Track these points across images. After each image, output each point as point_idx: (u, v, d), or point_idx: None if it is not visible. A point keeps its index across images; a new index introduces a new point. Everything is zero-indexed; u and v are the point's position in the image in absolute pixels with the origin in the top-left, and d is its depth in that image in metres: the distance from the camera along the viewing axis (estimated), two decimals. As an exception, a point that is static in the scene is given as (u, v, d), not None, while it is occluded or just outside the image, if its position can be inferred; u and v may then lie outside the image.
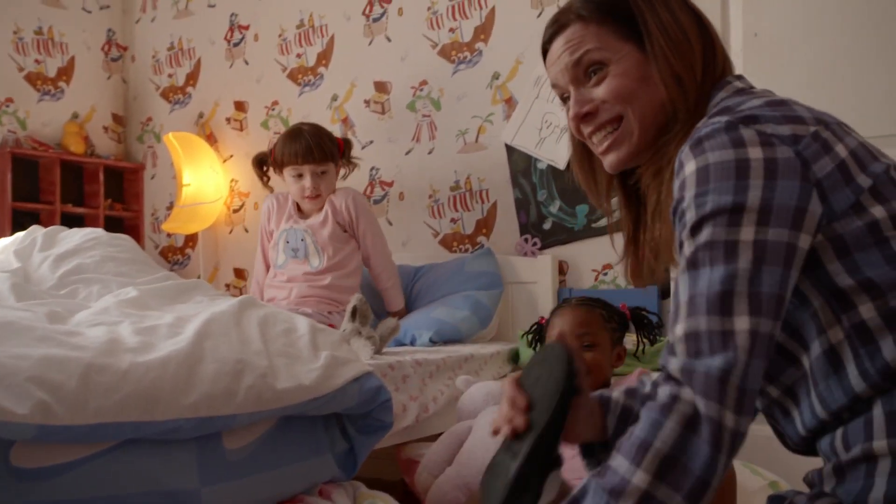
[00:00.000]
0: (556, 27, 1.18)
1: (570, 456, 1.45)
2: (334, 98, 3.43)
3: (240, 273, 3.70)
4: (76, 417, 1.14)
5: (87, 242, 1.98)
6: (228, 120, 3.74)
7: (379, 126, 3.31)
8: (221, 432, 1.39)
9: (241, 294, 3.64)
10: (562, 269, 2.88)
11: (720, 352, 0.90)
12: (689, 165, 0.98)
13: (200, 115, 3.83)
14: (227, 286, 3.73)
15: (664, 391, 0.92)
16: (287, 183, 2.71)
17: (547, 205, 2.92)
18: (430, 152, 3.18)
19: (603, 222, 2.81)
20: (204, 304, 1.74)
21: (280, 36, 3.59)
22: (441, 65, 3.15)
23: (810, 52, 2.21)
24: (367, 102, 3.34)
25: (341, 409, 1.59)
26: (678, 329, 0.93)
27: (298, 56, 3.54)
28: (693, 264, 0.94)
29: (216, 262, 3.76)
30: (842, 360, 0.95)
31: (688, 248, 0.96)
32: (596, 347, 1.56)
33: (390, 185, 3.27)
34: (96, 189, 3.80)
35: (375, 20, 3.32)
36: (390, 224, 3.22)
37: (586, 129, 1.16)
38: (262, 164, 2.80)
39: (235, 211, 3.71)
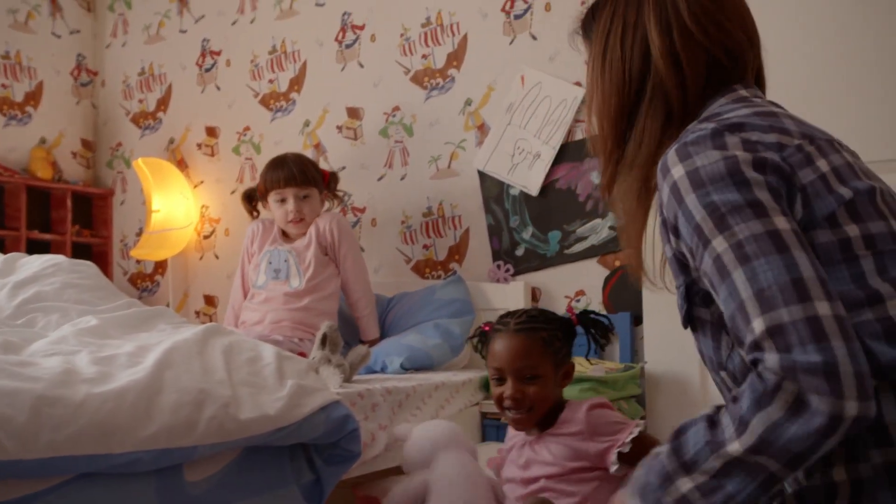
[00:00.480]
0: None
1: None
2: (306, 124, 3.41)
3: (210, 300, 3.65)
4: (26, 451, 1.10)
5: (46, 269, 1.94)
6: (199, 145, 3.71)
7: (351, 152, 3.29)
8: (182, 464, 1.35)
9: (211, 321, 3.59)
10: (534, 295, 2.86)
11: (812, 342, 0.85)
12: (675, 170, 0.97)
13: (171, 141, 3.79)
14: (198, 313, 3.67)
15: (769, 378, 0.86)
16: (272, 210, 2.74)
17: (519, 231, 2.91)
18: (402, 178, 3.17)
19: (576, 248, 2.81)
20: (167, 333, 1.70)
21: (252, 61, 3.57)
22: (413, 91, 3.15)
23: (805, 76, 2.23)
24: (339, 128, 3.33)
25: (307, 440, 1.55)
26: (757, 325, 0.88)
27: (270, 81, 3.52)
28: (744, 259, 0.90)
29: (186, 288, 3.70)
30: None
31: (720, 246, 0.92)
32: (538, 379, 1.47)
33: (363, 211, 3.25)
34: (64, 215, 3.74)
35: (348, 46, 3.32)
36: (363, 250, 3.20)
37: None
38: (250, 198, 2.85)
39: (206, 237, 3.67)
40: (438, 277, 3.05)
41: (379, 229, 3.21)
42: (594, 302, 2.77)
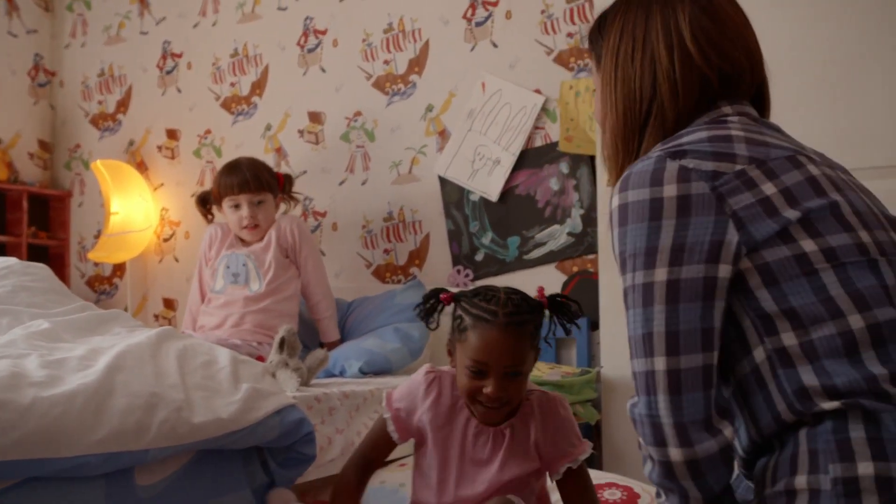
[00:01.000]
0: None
1: None
2: (268, 127, 3.40)
3: (169, 303, 3.62)
4: (-28, 456, 1.09)
5: (-2, 271, 1.91)
6: (160, 148, 3.68)
7: (313, 156, 3.29)
8: (134, 468, 1.34)
9: (170, 325, 3.56)
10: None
11: (643, 394, 0.98)
12: (614, 200, 1.04)
13: (131, 143, 3.76)
14: (157, 316, 3.64)
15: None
16: (226, 216, 2.72)
17: (479, 236, 2.94)
18: (363, 183, 3.18)
19: (534, 254, 2.84)
20: (122, 336, 1.69)
21: (214, 65, 3.56)
22: (375, 96, 3.16)
23: (794, 89, 2.27)
24: (300, 132, 3.33)
25: (262, 443, 1.55)
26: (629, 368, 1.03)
27: (232, 85, 3.51)
28: (625, 305, 1.02)
29: (145, 291, 3.67)
30: (764, 379, 0.98)
31: (622, 284, 1.03)
32: (520, 376, 1.37)
33: (323, 215, 3.25)
34: (19, 217, 3.68)
35: (310, 51, 3.32)
36: (323, 254, 3.20)
37: None
38: (204, 202, 2.82)
39: (166, 240, 3.64)
40: (398, 282, 3.06)
41: (340, 234, 3.21)
42: (552, 307, 2.80)
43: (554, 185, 2.81)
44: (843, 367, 0.93)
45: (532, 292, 2.96)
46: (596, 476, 1.67)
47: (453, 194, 2.98)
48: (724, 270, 0.97)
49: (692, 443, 0.96)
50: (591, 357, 2.70)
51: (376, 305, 2.83)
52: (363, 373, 2.48)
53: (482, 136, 2.93)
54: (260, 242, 2.70)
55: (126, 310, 3.59)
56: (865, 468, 0.88)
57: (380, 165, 3.14)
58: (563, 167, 2.80)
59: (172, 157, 3.65)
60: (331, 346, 2.71)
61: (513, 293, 1.40)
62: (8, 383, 1.20)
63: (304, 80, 3.32)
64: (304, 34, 3.34)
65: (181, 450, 1.39)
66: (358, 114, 3.20)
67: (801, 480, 0.92)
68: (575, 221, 2.78)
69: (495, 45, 2.94)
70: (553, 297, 1.41)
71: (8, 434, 1.12)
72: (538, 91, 2.84)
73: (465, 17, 3.00)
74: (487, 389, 1.34)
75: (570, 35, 2.81)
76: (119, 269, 3.75)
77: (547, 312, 1.43)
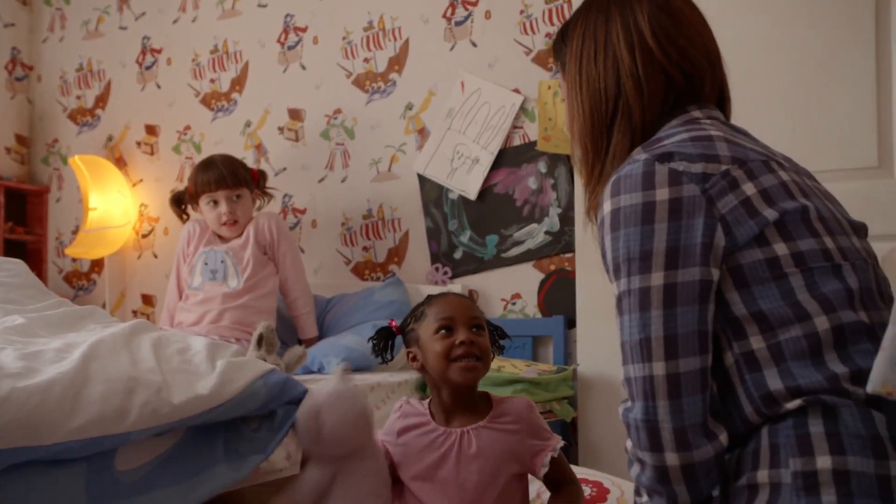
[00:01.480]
0: None
1: None
2: (248, 124, 3.40)
3: (148, 299, 3.61)
4: (-53, 448, 1.09)
5: (-27, 267, 1.91)
6: (139, 144, 3.67)
7: (292, 153, 3.30)
8: (115, 455, 1.34)
9: (149, 321, 3.55)
10: (472, 297, 2.91)
11: (640, 400, 0.98)
12: (605, 205, 1.04)
13: (110, 138, 3.74)
14: (135, 312, 3.63)
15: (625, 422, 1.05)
16: (204, 214, 2.71)
17: (458, 234, 2.96)
18: (343, 180, 3.18)
19: (512, 252, 2.86)
20: (97, 332, 1.69)
21: (193, 60, 3.55)
22: (355, 94, 3.17)
23: (764, 92, 2.31)
24: (280, 129, 3.33)
25: (251, 412, 1.53)
26: (622, 372, 1.03)
27: (212, 81, 3.50)
28: (619, 310, 1.02)
29: (123, 287, 3.66)
30: (732, 384, 0.99)
31: (614, 291, 1.03)
32: (484, 333, 1.45)
33: (303, 212, 3.25)
34: (-4, 212, 3.65)
35: (290, 48, 3.33)
36: (303, 251, 3.20)
37: None
38: (178, 202, 2.81)
39: (145, 236, 3.63)
40: (377, 279, 3.07)
41: (319, 231, 3.22)
42: (530, 305, 2.83)
43: (532, 184, 2.84)
44: (806, 370, 0.95)
45: (510, 290, 3.00)
46: (568, 471, 1.69)
47: (432, 192, 3.00)
48: (715, 274, 0.99)
49: (690, 447, 0.97)
50: (567, 355, 2.72)
51: (355, 302, 2.85)
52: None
53: (461, 134, 2.95)
54: (238, 239, 2.70)
55: (104, 306, 3.58)
56: (824, 462, 0.90)
57: (359, 163, 3.15)
58: (541, 166, 2.82)
59: (151, 153, 3.64)
60: (309, 342, 2.72)
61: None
62: (-17, 377, 1.20)
63: (285, 77, 3.33)
64: (285, 31, 3.34)
65: (165, 429, 1.38)
66: (338, 111, 3.21)
67: (762, 475, 0.95)
68: (553, 220, 2.81)
69: (475, 45, 2.96)
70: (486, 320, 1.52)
71: (-15, 426, 1.13)
72: (517, 90, 2.86)
73: (444, 16, 3.01)
74: (459, 338, 1.39)
75: (548, 35, 2.83)
76: (97, 264, 3.73)
77: None
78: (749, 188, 1.01)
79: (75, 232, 3.72)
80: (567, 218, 2.77)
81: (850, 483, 0.89)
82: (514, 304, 2.86)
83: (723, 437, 0.99)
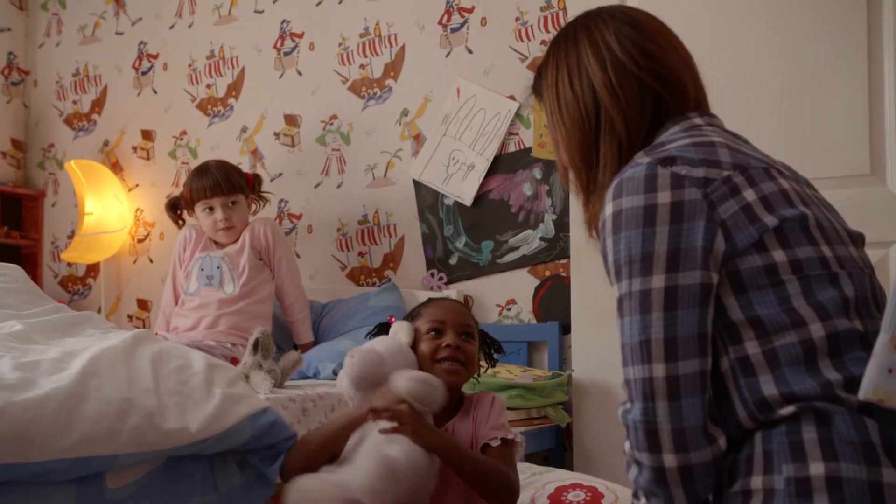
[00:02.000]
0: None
1: None
2: (244, 129, 3.41)
3: (143, 304, 3.61)
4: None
5: (-31, 272, 1.91)
6: (135, 149, 3.68)
7: (288, 159, 3.31)
8: (105, 471, 1.35)
9: (144, 325, 3.55)
10: (467, 303, 2.92)
11: (640, 401, 0.99)
12: (607, 208, 1.05)
13: (106, 143, 3.75)
14: (130, 317, 3.63)
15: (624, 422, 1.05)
16: (200, 220, 2.72)
17: (453, 240, 2.97)
18: (338, 186, 3.19)
19: (507, 258, 2.87)
20: (95, 338, 1.69)
21: (190, 66, 3.56)
22: (351, 100, 3.19)
23: (757, 98, 2.32)
24: (276, 135, 3.34)
25: (233, 447, 1.55)
26: (622, 373, 1.04)
27: (208, 87, 3.51)
28: (619, 313, 1.03)
29: (119, 292, 3.66)
30: (727, 388, 1.00)
31: (614, 293, 1.03)
32: (473, 341, 1.53)
33: (299, 217, 3.26)
34: (-9, 216, 3.65)
35: (286, 53, 3.34)
36: (298, 256, 3.21)
37: None
38: (174, 207, 2.82)
39: (140, 241, 3.63)
40: (373, 285, 3.08)
41: (315, 236, 3.23)
42: (525, 310, 2.84)
43: (527, 190, 2.85)
44: (801, 376, 0.96)
45: (505, 296, 3.01)
46: (562, 477, 1.70)
47: (428, 198, 3.01)
48: (715, 278, 1.00)
49: (688, 449, 0.97)
50: (562, 360, 2.73)
51: (350, 308, 2.85)
52: (337, 374, 2.50)
53: (457, 140, 2.97)
54: (234, 245, 2.71)
55: (99, 310, 3.58)
56: (817, 468, 0.91)
57: (355, 169, 3.16)
58: (537, 173, 2.84)
59: (147, 158, 3.64)
60: (304, 347, 2.72)
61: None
62: (-20, 386, 1.21)
63: (281, 82, 3.34)
64: (281, 37, 3.35)
65: (149, 457, 1.39)
66: (334, 117, 3.22)
67: (756, 481, 0.96)
68: (548, 226, 2.82)
69: (470, 51, 2.97)
70: (481, 331, 1.59)
71: (-21, 438, 1.13)
72: (512, 97, 2.87)
73: (440, 22, 3.03)
74: (447, 342, 1.48)
75: (543, 42, 2.85)
76: (93, 269, 3.73)
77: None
78: (750, 194, 1.02)
79: (71, 236, 3.72)
80: (562, 224, 2.78)
81: (842, 489, 0.90)
82: (509, 309, 2.87)
83: (721, 442, 0.99)
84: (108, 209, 3.49)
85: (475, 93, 2.94)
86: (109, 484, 1.33)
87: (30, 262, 3.80)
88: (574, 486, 1.61)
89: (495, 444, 1.43)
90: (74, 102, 3.85)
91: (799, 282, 0.99)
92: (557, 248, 2.80)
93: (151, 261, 3.60)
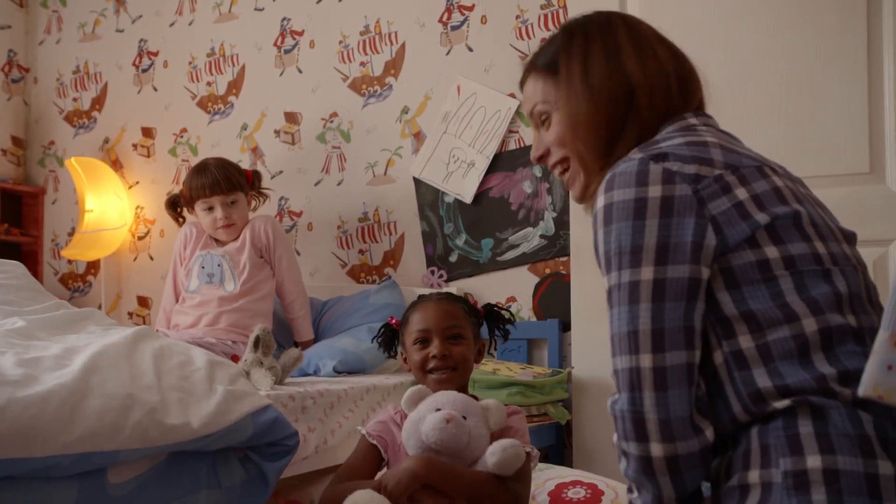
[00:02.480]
0: (522, 77, 1.32)
1: None
2: (244, 127, 3.42)
3: (144, 301, 3.62)
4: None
5: (-28, 269, 1.91)
6: (135, 146, 3.68)
7: (289, 156, 3.31)
8: (107, 467, 1.35)
9: (144, 322, 3.56)
10: (466, 298, 2.92)
11: (627, 391, 1.00)
12: (599, 200, 1.07)
13: (106, 141, 3.75)
14: (131, 314, 3.64)
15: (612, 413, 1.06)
16: (200, 218, 2.72)
17: (453, 238, 2.97)
18: (339, 183, 3.20)
19: (507, 255, 2.88)
20: (97, 335, 1.70)
21: (190, 63, 3.56)
22: (351, 97, 3.19)
23: (755, 98, 2.32)
24: (277, 132, 3.34)
25: (235, 444, 1.56)
26: (611, 366, 1.05)
27: (209, 84, 3.51)
28: (609, 303, 1.04)
29: (119, 289, 3.66)
30: (721, 382, 1.02)
31: (604, 284, 1.05)
32: (463, 341, 1.50)
33: (299, 215, 3.27)
34: (-8, 213, 3.66)
35: (287, 51, 3.34)
36: (298, 254, 3.22)
37: (548, 167, 1.28)
38: (174, 205, 2.82)
39: (140, 238, 3.64)
40: (373, 282, 3.09)
41: (315, 234, 3.23)
42: (524, 308, 2.84)
43: (527, 188, 2.85)
44: (794, 369, 0.97)
45: (505, 293, 3.01)
46: (562, 474, 1.71)
47: (428, 196, 3.02)
48: (705, 273, 1.01)
49: (675, 439, 0.99)
50: (562, 358, 2.74)
51: (350, 305, 2.86)
52: (337, 372, 2.50)
53: (457, 138, 2.97)
54: (235, 242, 2.71)
55: (100, 307, 3.58)
56: (814, 461, 0.92)
57: (355, 166, 3.17)
58: (537, 170, 2.84)
59: (148, 156, 3.65)
60: (305, 345, 2.73)
61: (447, 293, 1.62)
62: (-17, 382, 1.21)
63: (281, 80, 3.34)
64: (281, 35, 3.35)
65: (152, 452, 1.40)
66: (334, 115, 3.22)
67: (753, 475, 0.97)
68: (548, 224, 2.82)
69: (470, 49, 2.98)
70: (488, 305, 1.55)
71: (-18, 434, 1.14)
72: (512, 95, 2.88)
73: (441, 20, 3.03)
74: (432, 351, 1.47)
75: (544, 40, 2.85)
76: (93, 266, 3.74)
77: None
78: (741, 193, 1.04)
79: (71, 234, 3.72)
80: (562, 222, 2.79)
81: (839, 482, 0.91)
82: (509, 307, 2.87)
83: (709, 433, 1.00)
84: (109, 206, 3.50)
85: (475, 90, 2.95)
86: (111, 479, 1.34)
87: (30, 260, 3.80)
88: (574, 483, 1.62)
89: (533, 452, 1.45)
90: (75, 100, 3.85)
91: (792, 277, 1.00)
92: (557, 245, 2.81)
93: (152, 258, 3.60)
